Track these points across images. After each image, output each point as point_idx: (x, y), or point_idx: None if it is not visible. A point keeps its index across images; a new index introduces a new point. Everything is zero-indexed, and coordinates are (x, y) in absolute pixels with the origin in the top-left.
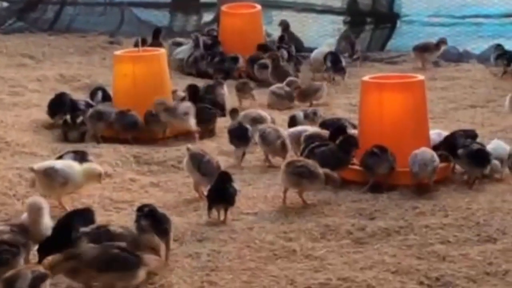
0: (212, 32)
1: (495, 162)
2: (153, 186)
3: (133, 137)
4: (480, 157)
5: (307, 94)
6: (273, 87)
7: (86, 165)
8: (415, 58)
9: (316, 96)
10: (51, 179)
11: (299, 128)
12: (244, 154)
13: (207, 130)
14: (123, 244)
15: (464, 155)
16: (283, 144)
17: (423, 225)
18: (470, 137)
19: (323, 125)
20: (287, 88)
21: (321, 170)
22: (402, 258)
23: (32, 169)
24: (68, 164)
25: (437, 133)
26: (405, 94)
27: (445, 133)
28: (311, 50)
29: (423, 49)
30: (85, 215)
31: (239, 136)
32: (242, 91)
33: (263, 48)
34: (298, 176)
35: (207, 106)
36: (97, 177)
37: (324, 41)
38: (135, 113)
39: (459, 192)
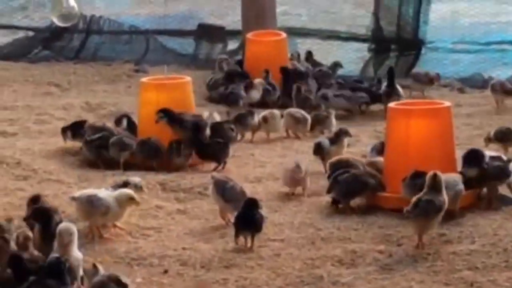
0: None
1: None
2: (180, 213)
3: (157, 164)
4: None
5: (313, 124)
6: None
7: (116, 193)
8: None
9: (323, 126)
10: (92, 207)
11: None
12: None
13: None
14: None
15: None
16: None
17: (450, 252)
18: None
19: None
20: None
21: None
22: (429, 284)
23: (73, 198)
24: (109, 194)
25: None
26: (432, 121)
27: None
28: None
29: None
30: None
31: None
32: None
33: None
34: None
35: (218, 141)
36: (130, 200)
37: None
38: (156, 139)
39: (486, 218)
